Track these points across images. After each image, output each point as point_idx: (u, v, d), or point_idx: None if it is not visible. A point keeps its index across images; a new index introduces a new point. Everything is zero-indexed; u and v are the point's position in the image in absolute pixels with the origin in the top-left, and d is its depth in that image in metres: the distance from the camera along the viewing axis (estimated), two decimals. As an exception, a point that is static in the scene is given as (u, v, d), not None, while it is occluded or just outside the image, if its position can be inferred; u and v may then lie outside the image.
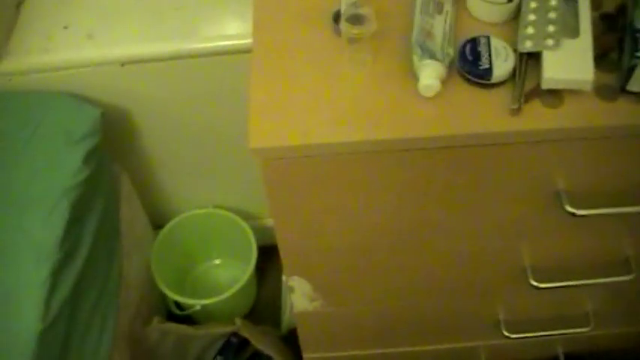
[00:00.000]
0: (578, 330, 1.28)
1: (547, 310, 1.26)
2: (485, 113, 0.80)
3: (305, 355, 1.35)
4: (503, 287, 1.15)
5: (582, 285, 1.09)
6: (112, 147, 1.42)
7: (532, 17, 0.86)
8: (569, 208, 0.90)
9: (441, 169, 0.86)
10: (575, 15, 0.86)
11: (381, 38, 0.88)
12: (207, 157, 1.63)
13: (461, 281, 1.13)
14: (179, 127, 1.51)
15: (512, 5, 0.88)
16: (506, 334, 1.26)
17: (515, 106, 0.80)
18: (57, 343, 1.13)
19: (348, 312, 1.20)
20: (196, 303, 1.62)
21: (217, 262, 1.92)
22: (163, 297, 1.66)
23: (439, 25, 0.88)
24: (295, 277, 1.06)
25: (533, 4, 0.87)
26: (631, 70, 0.81)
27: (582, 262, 1.09)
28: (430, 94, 0.81)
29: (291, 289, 1.09)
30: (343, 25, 0.84)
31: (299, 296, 1.10)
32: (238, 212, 1.73)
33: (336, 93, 0.83)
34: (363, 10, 0.85)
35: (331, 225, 0.95)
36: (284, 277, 1.37)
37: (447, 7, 0.91)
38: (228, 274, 1.81)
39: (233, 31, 1.33)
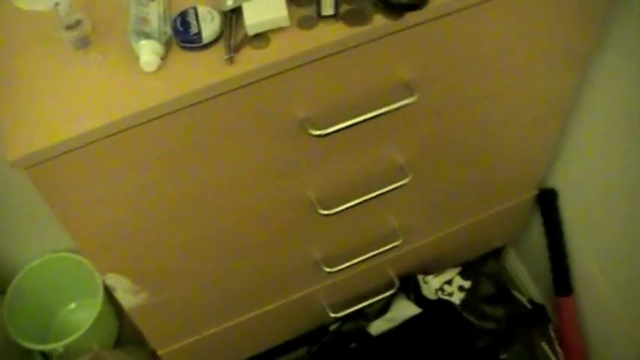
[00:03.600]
0: (391, 245, 1.40)
1: (356, 237, 1.38)
2: (205, 71, 0.90)
3: (159, 352, 1.40)
4: (302, 225, 1.25)
5: (367, 200, 1.20)
6: None
7: (229, -21, 0.97)
8: (314, 132, 1.01)
9: (189, 132, 0.95)
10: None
11: (107, 37, 0.97)
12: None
13: (266, 232, 1.22)
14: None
15: (210, -25, 0.99)
16: (327, 270, 1.36)
17: (227, 57, 0.91)
18: None
19: (180, 293, 1.26)
20: (56, 346, 1.66)
21: (73, 306, 1.97)
22: (28, 351, 1.70)
23: (154, 11, 0.98)
24: (110, 275, 1.12)
25: (229, -32, 0.98)
26: (319, -3, 0.93)
27: (360, 180, 1.20)
28: (152, 68, 0.91)
29: (113, 289, 1.15)
30: (63, 33, 0.93)
31: (122, 293, 1.17)
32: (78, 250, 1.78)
33: (78, 94, 0.91)
34: (77, 15, 0.94)
35: (121, 212, 1.02)
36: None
37: (159, -6, 1.01)
38: (87, 314, 1.84)
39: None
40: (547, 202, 1.61)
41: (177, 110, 0.90)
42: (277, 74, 0.93)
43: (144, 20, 0.96)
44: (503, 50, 1.10)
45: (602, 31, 1.24)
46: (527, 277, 1.92)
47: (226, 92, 0.91)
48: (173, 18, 0.96)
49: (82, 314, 1.94)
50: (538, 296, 1.88)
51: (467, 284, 1.58)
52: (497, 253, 1.95)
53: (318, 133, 1.01)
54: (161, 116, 0.90)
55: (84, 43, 0.95)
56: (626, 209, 1.38)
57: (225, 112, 0.94)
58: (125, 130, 0.89)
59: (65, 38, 0.94)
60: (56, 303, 1.94)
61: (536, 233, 1.76)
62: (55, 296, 1.91)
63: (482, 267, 1.73)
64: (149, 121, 0.90)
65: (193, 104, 0.90)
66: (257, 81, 0.92)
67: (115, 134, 0.89)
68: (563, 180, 1.57)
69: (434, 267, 1.64)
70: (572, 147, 1.49)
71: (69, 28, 0.94)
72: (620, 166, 1.36)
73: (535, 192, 1.61)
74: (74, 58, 0.95)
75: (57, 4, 0.93)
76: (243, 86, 0.92)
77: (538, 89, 1.24)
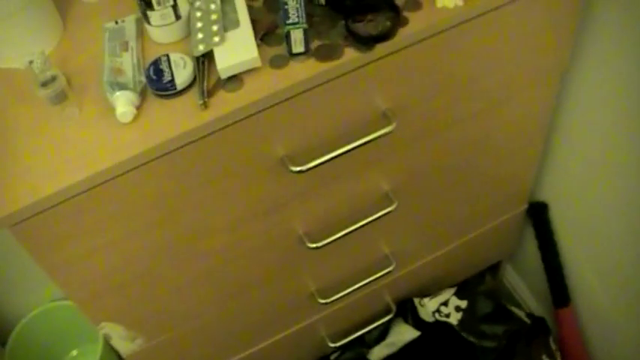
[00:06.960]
0: (385, 271, 1.40)
1: (348, 266, 1.38)
2: (181, 117, 0.91)
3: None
4: (293, 260, 1.25)
5: (354, 230, 1.21)
6: None
7: (199, 24, 0.99)
8: (294, 168, 1.02)
9: (170, 178, 0.96)
10: (235, 10, 0.99)
11: (83, 90, 0.98)
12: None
13: (257, 269, 1.22)
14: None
15: (182, 22, 1.00)
16: (321, 301, 1.36)
17: (201, 102, 0.91)
18: None
19: (176, 336, 1.26)
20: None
21: (74, 353, 1.97)
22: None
23: (128, 61, 0.99)
24: (104, 324, 1.12)
25: (198, 13, 1.00)
26: (288, 36, 0.94)
27: (346, 211, 1.21)
28: (128, 119, 0.91)
29: (108, 337, 1.15)
30: (39, 90, 0.94)
31: (118, 340, 1.17)
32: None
33: (57, 149, 0.92)
34: (52, 72, 0.95)
35: (109, 261, 1.02)
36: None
37: (132, 44, 1.02)
38: (90, 360, 1.85)
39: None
40: (538, 215, 1.62)
41: (156, 158, 0.91)
42: (253, 115, 0.94)
43: (118, 71, 0.97)
44: (476, 72, 1.11)
45: (577, 42, 1.25)
46: (527, 291, 1.92)
47: (203, 137, 0.92)
48: (146, 67, 0.96)
49: (84, 360, 1.95)
50: (538, 309, 1.88)
51: (463, 304, 1.58)
52: (494, 270, 1.95)
53: (298, 169, 1.01)
54: (139, 166, 0.90)
55: (60, 98, 0.95)
56: (616, 215, 1.39)
57: (204, 156, 0.95)
58: (106, 181, 0.90)
59: (41, 95, 0.94)
60: (58, 351, 1.94)
61: (532, 247, 1.76)
62: (56, 344, 1.92)
63: (479, 285, 1.73)
64: (128, 171, 0.90)
65: (171, 151, 0.91)
66: (233, 123, 0.93)
67: (96, 187, 0.90)
68: (553, 192, 1.57)
69: (431, 288, 1.64)
70: (558, 158, 1.49)
71: (44, 84, 0.94)
72: (606, 173, 1.36)
73: (525, 206, 1.61)
74: (51, 114, 0.96)
75: (31, 62, 0.94)
76: (220, 130, 0.93)
77: (517, 106, 1.25)
